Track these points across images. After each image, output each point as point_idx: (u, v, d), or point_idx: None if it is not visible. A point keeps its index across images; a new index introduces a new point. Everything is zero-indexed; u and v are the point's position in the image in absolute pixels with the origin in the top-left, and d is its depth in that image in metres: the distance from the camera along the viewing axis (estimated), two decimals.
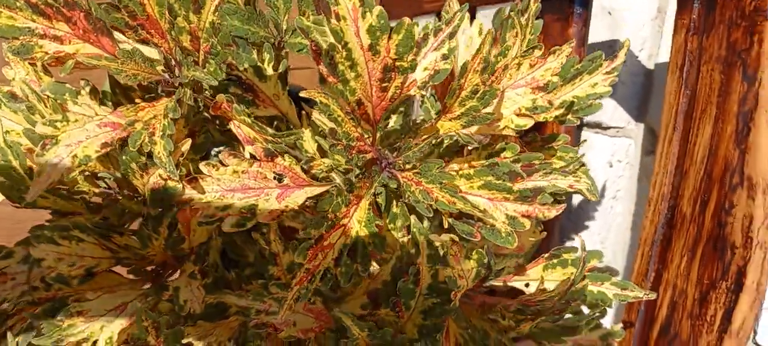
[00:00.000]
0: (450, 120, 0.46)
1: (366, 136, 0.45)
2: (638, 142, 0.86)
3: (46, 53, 0.46)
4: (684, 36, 0.65)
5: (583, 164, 0.55)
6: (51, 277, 0.47)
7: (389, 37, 0.41)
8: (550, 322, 0.52)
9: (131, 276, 0.51)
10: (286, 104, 0.55)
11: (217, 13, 0.44)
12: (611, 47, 0.81)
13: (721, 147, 0.62)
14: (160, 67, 0.48)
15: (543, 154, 0.51)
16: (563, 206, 0.47)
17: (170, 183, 0.44)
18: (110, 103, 0.52)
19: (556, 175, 0.50)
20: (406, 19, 0.41)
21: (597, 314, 0.54)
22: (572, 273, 0.52)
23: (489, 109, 0.44)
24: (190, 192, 0.45)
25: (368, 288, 0.49)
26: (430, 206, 0.44)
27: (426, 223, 0.46)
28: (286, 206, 0.45)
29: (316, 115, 0.48)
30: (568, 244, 0.87)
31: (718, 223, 0.63)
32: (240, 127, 0.48)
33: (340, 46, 0.40)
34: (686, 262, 0.66)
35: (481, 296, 0.51)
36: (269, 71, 0.52)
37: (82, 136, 0.45)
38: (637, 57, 0.82)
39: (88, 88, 0.50)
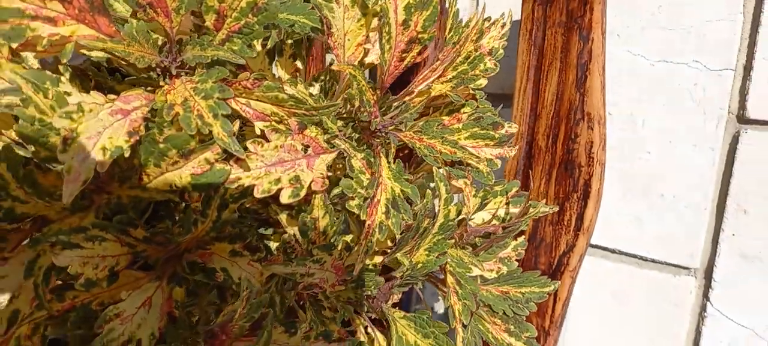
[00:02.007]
0: (442, 83, 0.54)
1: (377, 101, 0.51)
2: None
3: (42, 37, 0.41)
4: (532, 5, 0.83)
5: None
6: (80, 283, 0.43)
7: (420, 13, 0.47)
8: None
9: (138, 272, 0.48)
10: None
11: None
12: None
13: (566, 92, 0.82)
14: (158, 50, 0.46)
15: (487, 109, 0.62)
16: (516, 147, 0.60)
17: (218, 166, 0.44)
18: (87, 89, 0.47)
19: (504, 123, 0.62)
20: None
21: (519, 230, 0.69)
22: (500, 201, 0.66)
23: (476, 72, 0.54)
24: (236, 171, 0.45)
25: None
26: (437, 157, 0.52)
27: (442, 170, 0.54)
28: (320, 175, 0.49)
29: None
30: None
31: (567, 150, 0.83)
32: (248, 105, 0.49)
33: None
34: (544, 183, 0.85)
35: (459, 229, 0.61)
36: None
37: (99, 126, 0.42)
38: None
39: (68, 74, 0.45)
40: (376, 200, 0.48)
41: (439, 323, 0.56)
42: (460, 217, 0.54)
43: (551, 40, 0.83)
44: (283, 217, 0.52)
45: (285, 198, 0.45)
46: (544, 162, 0.85)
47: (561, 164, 0.84)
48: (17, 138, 0.47)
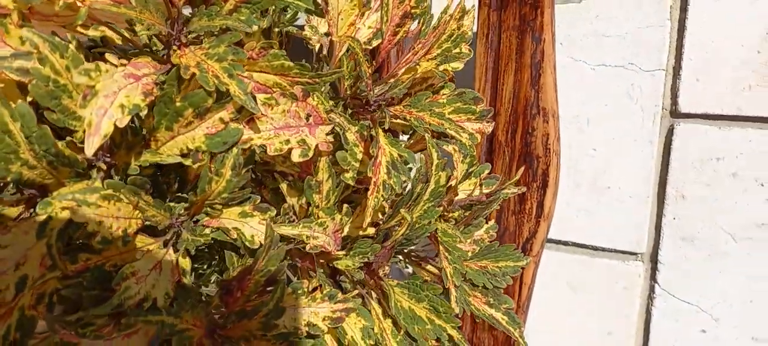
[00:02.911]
0: (427, 60, 0.58)
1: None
2: None
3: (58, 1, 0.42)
4: (486, 12, 0.90)
5: None
6: (97, 241, 0.43)
7: None
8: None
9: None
10: None
11: None
12: None
13: (522, 90, 0.89)
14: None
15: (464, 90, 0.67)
16: (492, 124, 0.64)
17: (232, 125, 0.46)
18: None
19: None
20: None
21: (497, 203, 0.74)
22: (475, 182, 0.70)
23: (457, 50, 0.58)
24: (248, 132, 0.47)
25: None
26: (426, 128, 0.56)
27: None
28: (324, 139, 0.51)
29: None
30: None
31: (525, 143, 0.89)
32: (250, 77, 0.51)
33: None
34: (504, 175, 0.91)
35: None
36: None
37: (114, 86, 0.43)
38: None
39: (74, 43, 0.46)
40: (378, 161, 0.51)
41: (433, 285, 0.59)
42: (449, 183, 0.58)
43: (507, 42, 0.89)
44: (284, 186, 0.53)
45: (296, 157, 0.48)
46: (504, 156, 0.91)
47: (520, 157, 0.90)
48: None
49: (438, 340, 0.60)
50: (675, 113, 0.96)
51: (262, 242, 0.47)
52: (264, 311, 0.47)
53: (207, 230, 0.48)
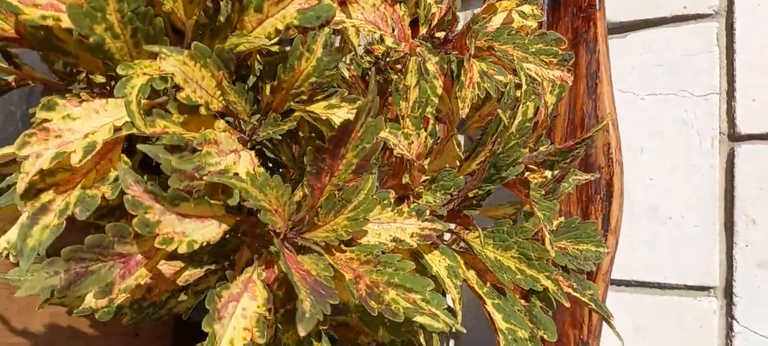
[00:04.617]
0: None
1: None
2: None
3: None
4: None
5: None
6: (182, 96, 0.39)
7: None
8: None
9: None
10: None
11: None
12: None
13: (578, 101, 0.87)
14: None
15: None
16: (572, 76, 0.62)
17: (326, 0, 0.43)
18: None
19: None
20: None
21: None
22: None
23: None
24: (340, 14, 0.45)
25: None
26: (510, 59, 0.54)
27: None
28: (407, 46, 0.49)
29: None
30: None
31: (585, 154, 0.85)
32: None
33: None
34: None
35: None
36: None
37: None
38: None
39: None
40: (470, 67, 0.48)
41: (522, 227, 0.53)
42: (535, 118, 0.54)
43: None
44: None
45: (389, 42, 0.45)
46: None
47: (580, 168, 0.86)
48: None
49: (528, 295, 0.53)
50: (734, 136, 0.93)
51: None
52: (354, 202, 0.42)
53: (292, 118, 0.44)
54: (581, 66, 0.86)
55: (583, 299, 0.62)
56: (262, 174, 0.39)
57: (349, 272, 0.41)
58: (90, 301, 0.45)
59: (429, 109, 0.51)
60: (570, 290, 0.62)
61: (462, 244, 0.56)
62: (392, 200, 0.46)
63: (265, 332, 0.37)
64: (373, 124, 0.40)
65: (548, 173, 0.65)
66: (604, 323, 0.95)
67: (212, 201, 0.40)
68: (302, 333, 0.31)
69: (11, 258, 0.47)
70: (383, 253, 0.43)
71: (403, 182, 0.48)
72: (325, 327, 0.40)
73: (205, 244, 0.39)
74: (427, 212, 0.46)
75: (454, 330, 0.47)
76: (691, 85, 0.96)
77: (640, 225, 0.97)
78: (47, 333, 0.85)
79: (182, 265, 0.47)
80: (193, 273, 0.47)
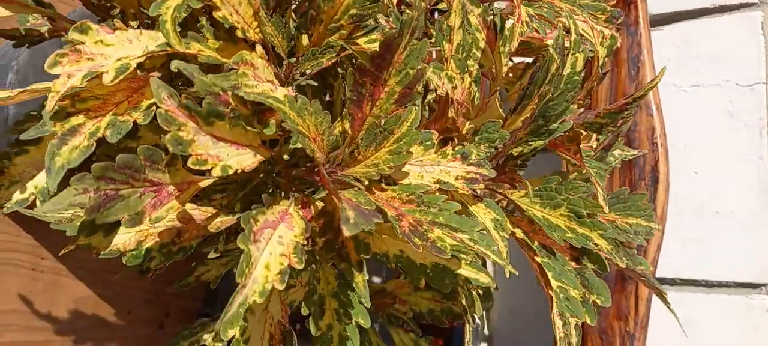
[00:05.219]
0: None
1: None
2: None
3: None
4: None
5: None
6: (220, 16, 0.37)
7: None
8: None
9: None
10: None
11: None
12: None
13: (619, 86, 0.83)
14: None
15: None
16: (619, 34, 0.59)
17: None
18: None
19: None
20: None
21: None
22: None
23: None
24: None
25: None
26: (557, 11, 0.51)
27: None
28: None
29: None
30: None
31: (628, 140, 0.82)
32: None
33: None
34: (606, 179, 0.82)
35: None
36: None
37: None
38: None
39: None
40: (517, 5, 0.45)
41: (573, 182, 0.50)
42: (583, 73, 0.51)
43: None
44: None
45: None
46: None
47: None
48: None
49: (579, 257, 0.50)
50: None
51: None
52: (397, 134, 0.39)
53: (331, 51, 0.41)
54: (622, 50, 0.83)
55: (635, 269, 0.58)
56: (300, 98, 0.37)
57: (390, 210, 0.39)
58: (118, 242, 0.43)
59: (471, 62, 0.49)
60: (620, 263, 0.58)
61: (506, 205, 0.53)
62: (436, 142, 0.43)
63: (303, 259, 0.34)
64: (418, 48, 0.37)
65: (594, 143, 0.62)
66: (651, 317, 0.90)
67: (248, 127, 0.38)
68: (347, 233, 0.28)
69: (38, 203, 0.45)
70: (426, 193, 0.40)
71: (447, 125, 0.45)
72: (368, 256, 0.37)
73: (240, 171, 0.37)
74: (474, 155, 0.44)
75: (495, 288, 0.44)
76: (736, 75, 0.93)
77: (686, 221, 0.93)
78: (71, 319, 0.83)
79: (214, 211, 0.45)
80: (225, 221, 0.44)
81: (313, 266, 0.45)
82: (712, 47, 0.95)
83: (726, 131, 0.92)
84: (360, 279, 0.36)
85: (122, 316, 0.88)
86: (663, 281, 0.94)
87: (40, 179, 0.47)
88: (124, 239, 0.43)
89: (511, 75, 0.61)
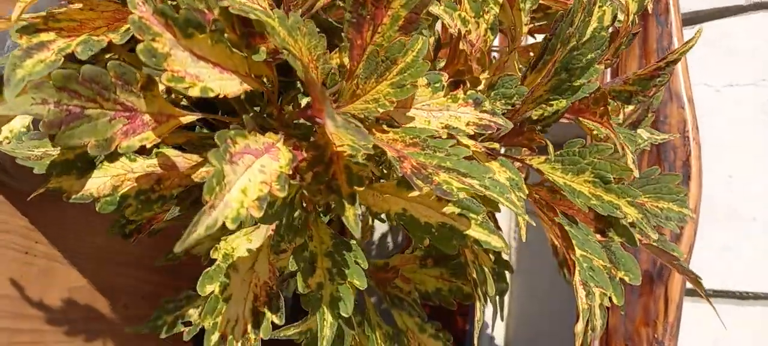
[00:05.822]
0: None
1: None
2: None
3: None
4: None
5: None
6: None
7: None
8: None
9: None
10: None
11: None
12: None
13: None
14: None
15: None
16: None
17: None
18: None
19: None
20: None
21: None
22: None
23: None
24: None
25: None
26: None
27: None
28: None
29: None
30: None
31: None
32: None
33: None
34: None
35: None
36: None
37: None
38: None
39: None
40: None
41: (598, 145, 0.45)
42: (611, 29, 0.47)
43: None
44: None
45: None
46: None
47: (651, 151, 0.77)
48: None
49: (605, 230, 0.44)
50: None
51: None
52: (401, 64, 0.35)
53: None
54: (651, 41, 0.79)
55: (666, 251, 0.52)
56: (292, 15, 0.33)
57: (391, 152, 0.34)
58: (92, 186, 0.39)
59: (489, 16, 0.45)
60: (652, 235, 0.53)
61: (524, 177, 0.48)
62: (445, 84, 0.38)
63: (285, 187, 0.30)
64: None
65: (621, 119, 0.57)
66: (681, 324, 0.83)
67: (235, 50, 0.34)
68: (331, 129, 0.24)
69: (8, 146, 0.42)
70: (433, 138, 0.36)
71: (458, 67, 0.41)
72: (362, 188, 0.32)
73: (222, 97, 0.33)
74: (487, 102, 0.39)
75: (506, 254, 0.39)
76: None
77: (718, 227, 0.86)
78: (64, 310, 0.79)
79: (199, 159, 0.41)
80: (211, 170, 0.40)
81: (308, 230, 0.40)
82: (748, 45, 0.90)
83: (763, 132, 0.86)
84: (351, 213, 0.31)
85: (117, 310, 0.84)
86: (694, 291, 0.87)
87: (16, 123, 0.43)
88: (98, 182, 0.39)
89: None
